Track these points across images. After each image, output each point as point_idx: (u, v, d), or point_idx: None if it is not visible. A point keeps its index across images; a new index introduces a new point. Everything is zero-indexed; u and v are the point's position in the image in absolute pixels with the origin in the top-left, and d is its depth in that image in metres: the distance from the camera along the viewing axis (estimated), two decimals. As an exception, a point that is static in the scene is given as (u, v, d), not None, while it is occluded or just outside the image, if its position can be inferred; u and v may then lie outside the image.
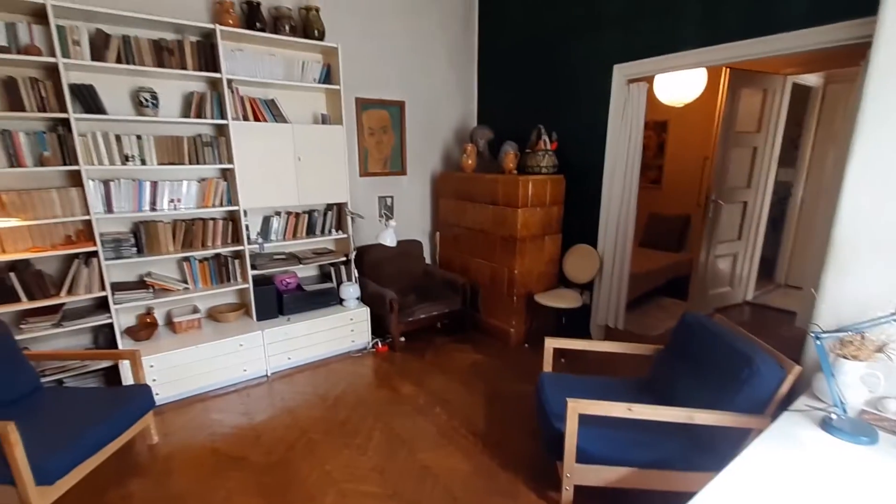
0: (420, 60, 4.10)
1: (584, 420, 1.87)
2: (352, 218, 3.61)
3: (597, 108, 3.47)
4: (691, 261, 4.35)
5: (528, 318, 3.76)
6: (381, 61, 3.87)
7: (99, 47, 2.60)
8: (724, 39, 2.71)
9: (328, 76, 3.39)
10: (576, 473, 1.94)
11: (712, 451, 1.87)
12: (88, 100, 2.63)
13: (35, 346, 2.71)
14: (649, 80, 3.28)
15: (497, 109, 4.41)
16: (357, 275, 3.73)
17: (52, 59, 2.42)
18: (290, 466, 2.34)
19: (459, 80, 4.41)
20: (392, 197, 4.20)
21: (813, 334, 1.71)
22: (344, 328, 3.54)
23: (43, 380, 2.49)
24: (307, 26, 3.21)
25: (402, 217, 4.26)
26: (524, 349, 3.70)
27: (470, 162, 3.91)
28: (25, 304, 2.56)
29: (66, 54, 2.47)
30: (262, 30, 3.05)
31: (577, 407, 1.85)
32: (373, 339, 3.71)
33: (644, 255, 4.77)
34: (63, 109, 2.50)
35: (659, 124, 5.24)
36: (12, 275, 2.52)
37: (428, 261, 4.53)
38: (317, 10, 3.21)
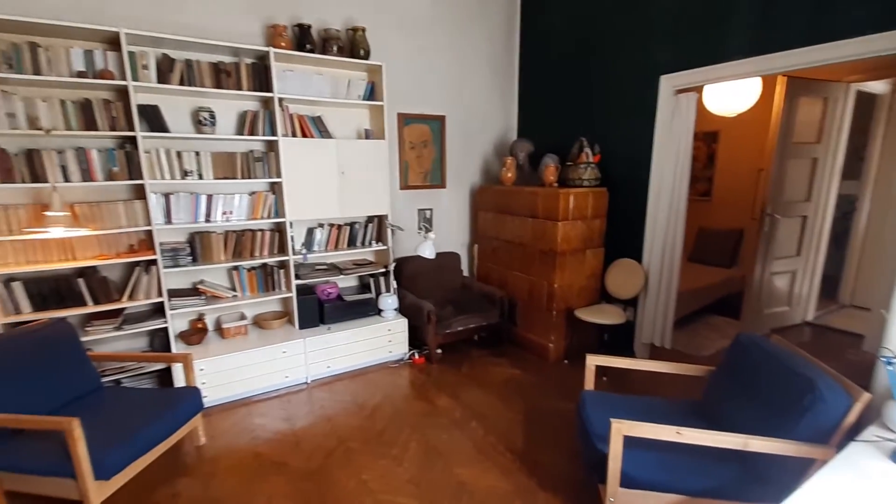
0: (462, 75, 4.16)
1: (630, 442, 1.79)
2: (391, 230, 3.67)
3: (642, 119, 3.40)
4: (744, 277, 4.12)
5: (567, 334, 3.66)
6: (423, 77, 3.96)
7: (164, 71, 2.81)
8: (781, 47, 2.59)
9: (372, 93, 3.50)
10: (620, 498, 1.85)
11: (769, 481, 1.74)
12: (153, 119, 2.83)
13: (97, 347, 2.90)
14: (699, 90, 3.17)
15: (537, 122, 4.39)
16: (395, 286, 3.78)
17: (122, 83, 2.63)
18: (329, 474, 2.37)
19: (500, 94, 4.44)
20: (431, 210, 4.25)
21: (884, 359, 1.58)
22: (382, 338, 3.58)
23: (103, 379, 2.66)
24: (353, 46, 3.34)
25: (441, 230, 4.29)
26: (563, 365, 3.61)
27: (509, 175, 3.90)
28: (91, 308, 2.76)
29: (135, 78, 2.68)
30: (312, 51, 3.19)
31: (622, 428, 1.77)
32: (410, 350, 3.73)
33: (693, 271, 4.57)
34: (131, 128, 2.71)
35: (709, 135, 5.05)
36: (81, 280, 2.73)
37: (465, 273, 4.53)
38: (363, 30, 3.34)
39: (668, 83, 3.22)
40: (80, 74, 2.61)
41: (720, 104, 3.70)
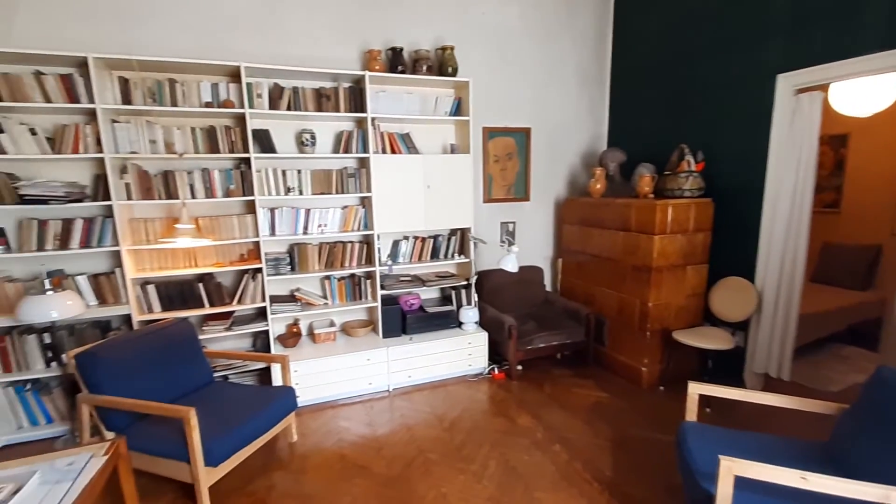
0: (548, 86, 4.10)
1: (741, 484, 1.57)
2: (474, 243, 3.68)
3: (755, 122, 3.08)
4: (883, 302, 3.49)
5: (663, 358, 3.36)
6: (509, 90, 3.96)
7: (275, 98, 3.11)
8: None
9: (458, 108, 3.57)
10: (728, 548, 1.62)
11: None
12: (264, 141, 3.15)
13: (210, 345, 3.23)
14: (824, 88, 2.80)
15: (630, 131, 4.17)
16: (476, 299, 3.76)
17: (241, 110, 2.96)
18: (409, 483, 2.38)
19: (589, 103, 4.30)
20: (514, 223, 4.19)
21: None
22: (462, 351, 3.57)
23: (214, 374, 2.96)
24: (442, 65, 3.45)
25: (524, 243, 4.21)
26: (658, 392, 3.31)
27: (598, 186, 3.73)
28: (207, 310, 3.10)
29: (251, 105, 3.00)
30: (403, 71, 3.35)
31: (733, 467, 1.56)
32: (489, 364, 3.68)
33: (817, 293, 3.98)
34: (246, 150, 3.04)
35: (836, 138, 4.43)
36: (200, 285, 3.08)
37: (549, 288, 4.38)
38: (451, 48, 3.43)
39: (786, 82, 2.88)
40: (207, 105, 2.99)
41: (851, 104, 3.22)
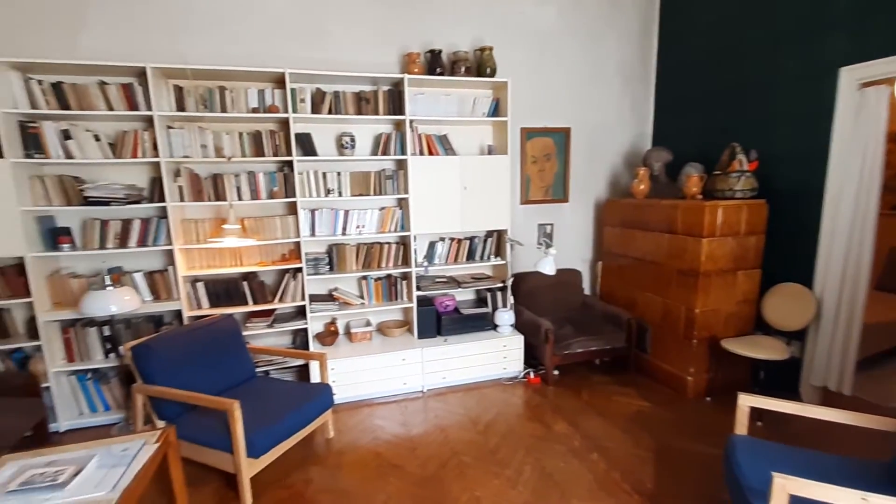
0: (590, 85, 4.01)
1: (797, 505, 1.46)
2: (511, 245, 3.64)
3: (815, 119, 2.89)
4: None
5: (711, 367, 3.20)
6: (548, 90, 3.90)
7: (317, 102, 3.20)
8: None
9: (496, 109, 3.55)
10: (782, 573, 1.51)
11: None
12: (306, 145, 3.24)
13: (252, 341, 3.36)
14: (891, 82, 2.58)
15: (677, 129, 4.00)
16: (512, 301, 3.71)
17: (285, 115, 3.07)
18: (442, 484, 2.38)
19: (632, 102, 4.16)
20: (552, 224, 4.12)
21: None
22: (497, 354, 3.53)
23: (255, 369, 3.07)
24: (481, 65, 3.44)
25: (562, 245, 4.12)
26: (705, 403, 3.15)
27: (642, 187, 3.60)
28: (250, 307, 3.22)
29: (294, 110, 3.10)
30: (441, 73, 3.37)
31: (788, 486, 1.46)
32: (525, 368, 3.62)
33: (883, 302, 3.67)
34: (289, 153, 3.14)
35: (906, 135, 4.06)
36: (245, 283, 3.21)
37: (587, 292, 4.27)
38: (490, 49, 3.42)
39: (850, 76, 2.68)
40: (254, 110, 3.11)
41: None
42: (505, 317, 3.60)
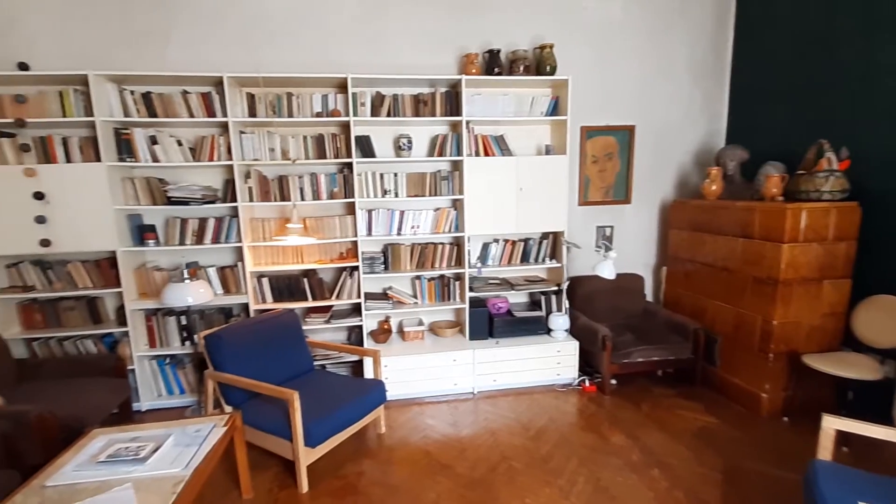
0: (656, 81, 3.81)
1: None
2: (567, 247, 3.53)
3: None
4: None
5: (789, 384, 2.92)
6: (611, 87, 3.75)
7: (376, 106, 3.29)
8: None
9: (555, 108, 3.46)
10: None
11: None
12: (365, 147, 3.34)
13: (311, 336, 3.49)
14: None
15: (754, 126, 3.70)
16: (567, 306, 3.60)
17: (346, 118, 3.18)
18: (492, 488, 2.35)
19: (703, 97, 3.90)
20: (612, 227, 3.95)
21: None
22: (550, 359, 3.44)
23: (313, 362, 3.19)
24: (540, 64, 3.37)
25: (622, 248, 3.94)
26: (781, 423, 2.88)
27: (714, 188, 3.36)
28: (309, 303, 3.36)
29: (355, 114, 3.20)
30: (500, 73, 3.34)
31: (884, 524, 1.29)
32: (580, 375, 3.50)
33: None
34: (349, 155, 3.24)
35: None
36: (305, 279, 3.35)
37: (649, 298, 4.05)
38: (550, 47, 3.34)
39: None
40: (318, 115, 3.25)
41: None
42: (559, 321, 3.49)
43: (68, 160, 2.98)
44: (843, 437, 2.52)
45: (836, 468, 1.79)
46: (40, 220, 2.89)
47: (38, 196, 2.87)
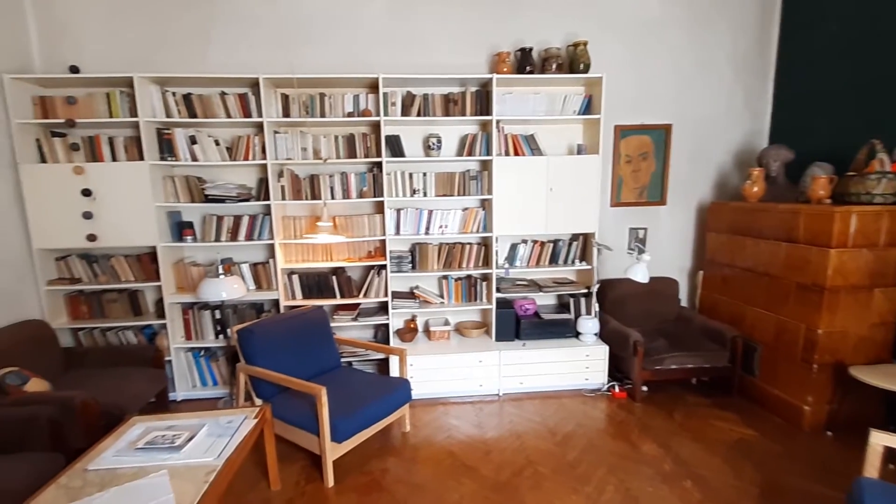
0: (696, 79, 3.68)
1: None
2: (598, 249, 3.45)
3: None
4: None
5: (834, 397, 2.76)
6: (647, 84, 3.65)
7: (407, 105, 3.30)
8: None
9: (588, 107, 3.39)
10: None
11: None
12: (395, 146, 3.36)
13: (338, 333, 3.53)
14: None
15: (800, 126, 3.52)
16: (597, 309, 3.52)
17: (376, 118, 3.20)
18: (517, 493, 2.31)
19: (746, 95, 3.74)
20: (646, 229, 3.84)
21: None
22: (578, 363, 3.37)
23: (340, 359, 3.23)
24: (573, 61, 3.31)
25: (656, 251, 3.81)
26: (824, 437, 2.73)
27: (755, 189, 3.22)
28: (337, 301, 3.40)
29: (385, 113, 3.22)
30: (531, 72, 3.29)
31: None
32: (609, 381, 3.41)
33: None
34: (379, 155, 3.27)
35: None
36: (334, 277, 3.40)
37: (684, 303, 3.92)
38: (584, 44, 3.27)
39: None
40: (349, 114, 3.29)
41: None
42: (589, 325, 3.42)
43: (114, 159, 3.12)
44: (891, 454, 2.37)
45: (884, 487, 1.68)
46: (87, 215, 3.04)
47: (86, 193, 3.02)
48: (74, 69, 3.04)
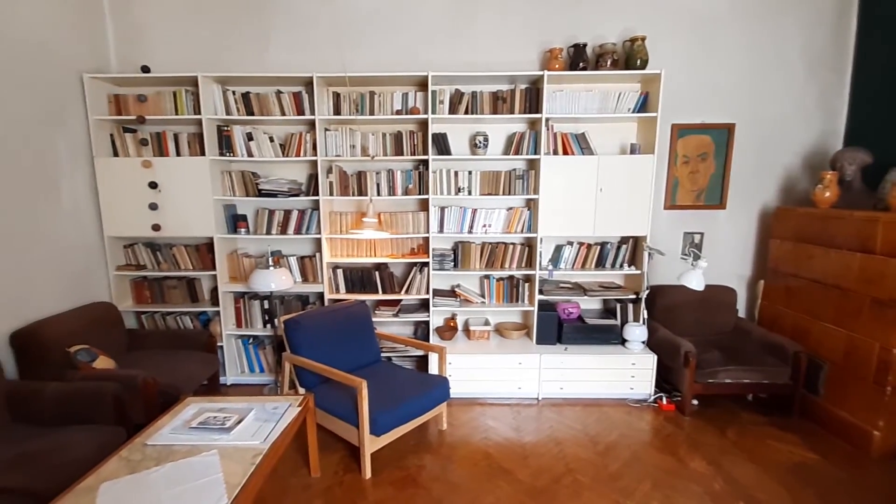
0: (762, 76, 3.44)
1: None
2: (649, 254, 3.30)
3: None
4: None
5: (915, 427, 2.51)
6: (709, 82, 3.44)
7: (454, 103, 3.30)
8: None
9: (644, 104, 3.25)
10: None
11: None
12: (441, 144, 3.36)
13: (379, 328, 3.58)
14: None
15: (881, 127, 3.21)
16: (646, 316, 3.37)
17: (424, 116, 3.22)
18: (554, 500, 2.25)
19: (819, 94, 3.45)
20: (702, 234, 3.63)
21: None
22: (623, 371, 3.24)
23: (380, 354, 3.28)
24: (630, 58, 3.17)
25: (713, 258, 3.59)
26: (894, 466, 2.49)
27: (827, 195, 2.97)
28: (379, 296, 3.45)
29: (433, 111, 3.23)
30: (584, 68, 3.19)
31: None
32: (656, 392, 3.26)
33: None
34: (425, 152, 3.28)
35: None
36: (377, 273, 3.45)
37: (742, 314, 3.68)
38: (642, 39, 3.14)
39: None
40: (398, 112, 3.32)
41: None
42: (636, 332, 3.28)
43: (178, 154, 3.31)
44: None
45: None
46: (153, 206, 3.24)
47: (153, 185, 3.22)
48: (146, 69, 3.25)
